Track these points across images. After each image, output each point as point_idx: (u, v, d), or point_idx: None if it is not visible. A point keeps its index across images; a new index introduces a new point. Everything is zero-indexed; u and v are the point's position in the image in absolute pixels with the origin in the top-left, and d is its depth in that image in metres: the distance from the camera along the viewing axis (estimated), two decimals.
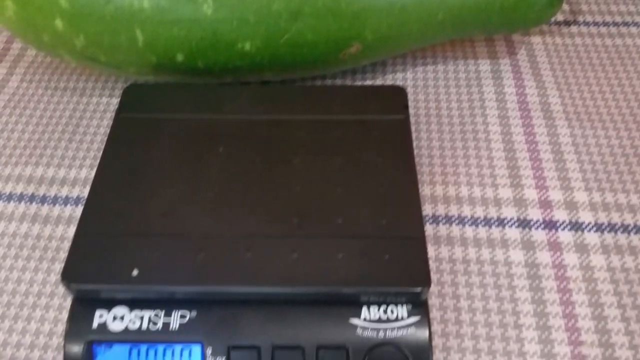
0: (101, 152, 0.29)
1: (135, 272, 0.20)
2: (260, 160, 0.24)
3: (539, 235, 0.27)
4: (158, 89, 0.27)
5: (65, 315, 0.24)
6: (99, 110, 0.31)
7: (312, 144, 0.24)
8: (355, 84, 0.31)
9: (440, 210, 0.27)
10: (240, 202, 0.22)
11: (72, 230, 0.27)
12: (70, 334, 0.20)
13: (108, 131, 0.30)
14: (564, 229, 0.27)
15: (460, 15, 0.29)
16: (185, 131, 0.25)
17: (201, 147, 0.24)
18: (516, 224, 0.27)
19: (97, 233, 0.21)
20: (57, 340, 0.23)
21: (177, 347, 0.20)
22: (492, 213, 0.27)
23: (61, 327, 0.24)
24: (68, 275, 0.20)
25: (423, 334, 0.20)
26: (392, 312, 0.20)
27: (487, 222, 0.27)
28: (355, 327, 0.20)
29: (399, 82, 0.33)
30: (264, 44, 0.28)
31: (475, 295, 0.24)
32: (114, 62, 0.28)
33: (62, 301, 0.24)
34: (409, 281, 0.20)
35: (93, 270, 0.20)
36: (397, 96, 0.27)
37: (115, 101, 0.32)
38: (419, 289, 0.20)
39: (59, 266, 0.25)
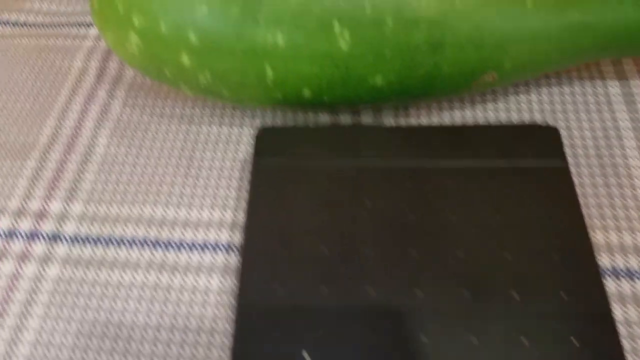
0: (219, 189, 0.28)
1: (305, 356, 0.19)
2: (413, 216, 0.22)
3: None
4: (292, 132, 0.26)
5: None
6: (210, 141, 0.30)
7: (466, 195, 0.23)
8: (495, 122, 0.29)
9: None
10: (402, 268, 0.21)
11: (202, 281, 0.25)
12: None
13: (222, 165, 0.29)
14: None
15: (607, 40, 0.27)
16: (327, 180, 0.23)
17: (347, 199, 0.23)
18: None
19: (260, 307, 0.20)
20: None
21: None
22: None
23: None
24: None
25: None
26: None
27: None
28: None
29: (523, 105, 0.31)
30: (396, 78, 0.26)
31: None
32: (236, 98, 0.27)
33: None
34: None
35: (263, 355, 0.19)
36: (551, 137, 0.25)
37: (225, 130, 0.30)
38: None
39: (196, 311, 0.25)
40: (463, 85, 0.27)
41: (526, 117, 0.30)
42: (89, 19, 0.36)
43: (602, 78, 0.32)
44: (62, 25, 0.36)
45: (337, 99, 0.27)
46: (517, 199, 0.23)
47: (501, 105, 0.31)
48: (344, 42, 0.24)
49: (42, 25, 0.36)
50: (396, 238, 0.22)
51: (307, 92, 0.26)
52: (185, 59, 0.25)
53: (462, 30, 0.24)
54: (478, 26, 0.24)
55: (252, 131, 0.30)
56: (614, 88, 0.31)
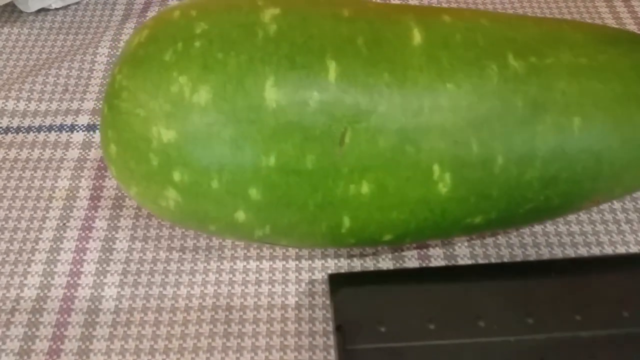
0: (272, 352, 0.22)
1: None
2: None
3: None
4: (372, 285, 0.21)
5: None
6: (250, 282, 0.24)
7: None
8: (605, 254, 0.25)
9: None
10: None
11: None
12: None
13: (271, 316, 0.23)
14: None
15: None
16: None
17: None
18: None
19: None
20: None
21: None
22: None
23: None
24: None
25: None
26: None
27: None
28: None
29: (607, 215, 0.26)
30: (498, 215, 0.21)
31: None
32: (294, 245, 0.21)
33: None
34: None
35: None
36: None
37: (266, 265, 0.24)
38: None
39: None
40: (566, 212, 0.23)
41: (614, 230, 0.26)
42: (71, 119, 0.29)
43: None
44: (40, 130, 0.29)
45: (421, 240, 0.22)
46: None
47: (583, 216, 0.27)
48: (443, 186, 0.19)
49: (13, 131, 0.29)
50: None
51: (388, 237, 0.21)
52: (240, 216, 0.19)
53: (579, 162, 0.20)
54: (597, 157, 0.20)
55: (298, 264, 0.25)
56: None
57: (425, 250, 0.25)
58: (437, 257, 0.25)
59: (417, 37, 0.19)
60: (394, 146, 0.18)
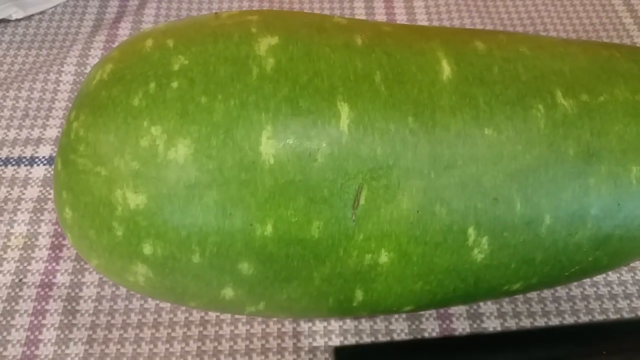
0: None
1: None
2: None
3: None
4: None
5: None
6: (238, 352, 0.20)
7: None
8: None
9: None
10: None
11: None
12: None
13: None
14: None
15: None
16: None
17: None
18: None
19: None
20: None
21: None
22: None
23: None
24: None
25: None
26: None
27: None
28: None
29: None
30: (539, 281, 0.18)
31: None
32: (294, 317, 0.18)
33: None
34: None
35: None
36: None
37: (258, 329, 0.21)
38: None
39: None
40: (611, 270, 0.19)
41: None
42: (30, 150, 0.25)
43: None
44: None
45: (446, 307, 0.18)
46: None
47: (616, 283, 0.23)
48: (479, 252, 0.16)
49: None
50: None
51: (408, 308, 0.17)
52: (228, 293, 0.15)
53: (636, 218, 0.17)
54: None
55: (296, 328, 0.21)
56: None
57: (445, 308, 0.22)
58: (459, 315, 0.22)
59: (446, 70, 0.15)
60: (421, 207, 0.15)
